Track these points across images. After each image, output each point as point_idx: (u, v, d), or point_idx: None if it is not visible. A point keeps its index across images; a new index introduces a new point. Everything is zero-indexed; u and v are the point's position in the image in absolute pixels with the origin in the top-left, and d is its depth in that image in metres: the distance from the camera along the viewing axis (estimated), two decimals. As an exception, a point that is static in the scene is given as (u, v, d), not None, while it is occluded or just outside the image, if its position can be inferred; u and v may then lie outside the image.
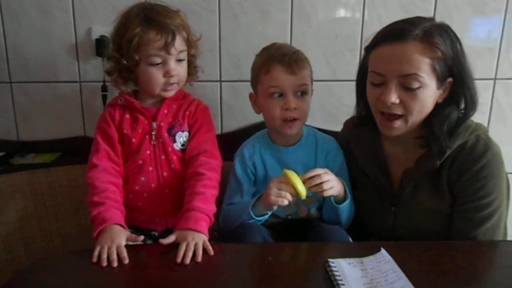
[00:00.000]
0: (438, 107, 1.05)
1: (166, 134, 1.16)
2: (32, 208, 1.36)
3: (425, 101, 1.02)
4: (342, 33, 1.49)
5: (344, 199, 1.14)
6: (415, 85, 0.99)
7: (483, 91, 1.53)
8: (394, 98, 1.01)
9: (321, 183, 1.04)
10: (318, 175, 1.05)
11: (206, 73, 1.49)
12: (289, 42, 1.47)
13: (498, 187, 1.05)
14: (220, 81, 1.52)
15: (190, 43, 1.17)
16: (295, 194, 1.03)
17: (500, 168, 1.06)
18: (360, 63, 1.15)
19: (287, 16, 1.47)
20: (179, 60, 1.15)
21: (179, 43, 1.12)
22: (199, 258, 0.93)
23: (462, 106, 1.06)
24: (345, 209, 1.14)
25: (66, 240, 1.39)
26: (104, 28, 1.44)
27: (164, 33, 1.09)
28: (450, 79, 1.03)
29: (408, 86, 1.00)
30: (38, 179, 1.36)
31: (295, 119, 1.16)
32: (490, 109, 1.56)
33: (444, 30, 1.03)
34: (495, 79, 1.53)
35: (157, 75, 1.12)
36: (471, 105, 1.06)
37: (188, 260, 0.92)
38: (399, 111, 1.03)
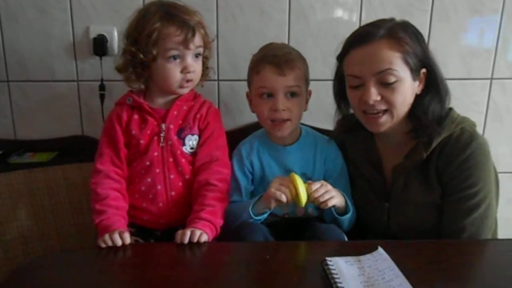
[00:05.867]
0: (419, 99, 1.09)
1: (175, 137, 1.15)
2: (30, 207, 1.36)
3: (404, 93, 1.06)
4: (340, 33, 1.47)
5: (345, 211, 1.14)
6: (392, 79, 1.03)
7: (479, 91, 1.55)
8: (374, 96, 1.05)
9: (324, 192, 1.05)
10: (322, 185, 1.06)
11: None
12: (287, 42, 1.47)
13: (484, 177, 1.06)
14: (218, 80, 1.53)
15: (206, 43, 1.17)
16: (295, 197, 1.04)
17: (485, 159, 1.07)
18: (335, 72, 1.19)
19: (285, 16, 1.47)
20: (196, 57, 1.15)
21: (197, 40, 1.13)
22: (195, 239, 0.98)
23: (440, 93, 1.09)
24: (347, 219, 1.15)
25: (64, 239, 1.39)
26: (102, 27, 1.44)
27: (184, 28, 1.10)
28: (423, 70, 1.07)
29: (385, 81, 1.04)
30: (36, 178, 1.36)
31: (284, 121, 1.16)
32: (486, 109, 1.57)
33: (406, 26, 1.08)
34: (491, 78, 1.54)
35: (175, 70, 1.12)
36: (445, 91, 1.09)
37: (185, 239, 0.98)
38: (383, 106, 1.06)
